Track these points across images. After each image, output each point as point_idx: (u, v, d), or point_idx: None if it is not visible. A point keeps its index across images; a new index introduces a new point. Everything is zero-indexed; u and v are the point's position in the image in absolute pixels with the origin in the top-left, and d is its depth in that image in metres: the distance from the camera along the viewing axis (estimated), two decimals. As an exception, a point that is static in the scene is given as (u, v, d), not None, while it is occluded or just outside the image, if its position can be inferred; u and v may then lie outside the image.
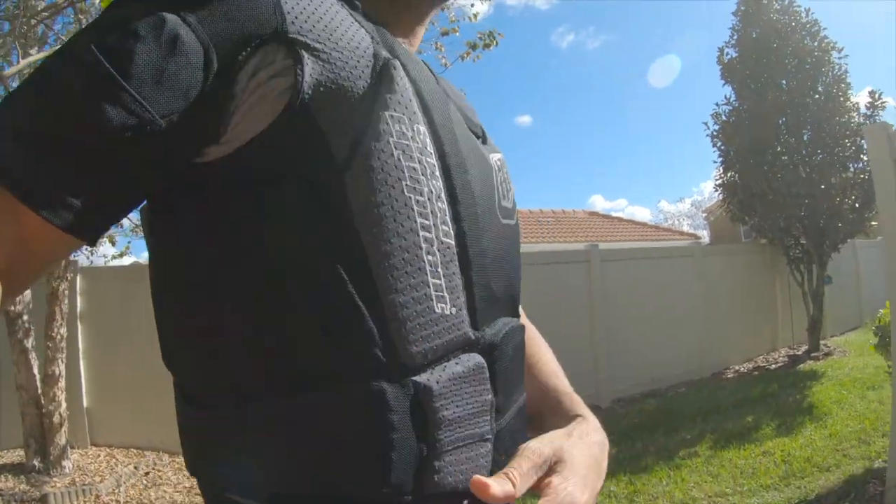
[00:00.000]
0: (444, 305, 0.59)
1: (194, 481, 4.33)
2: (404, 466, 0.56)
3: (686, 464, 4.85)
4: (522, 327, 0.74)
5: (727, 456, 4.92)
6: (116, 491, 4.88)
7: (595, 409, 0.70)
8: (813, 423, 5.50)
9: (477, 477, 0.58)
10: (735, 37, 9.80)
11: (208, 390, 0.61)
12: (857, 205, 8.84)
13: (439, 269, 0.59)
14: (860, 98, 9.07)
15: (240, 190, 0.55)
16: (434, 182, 0.60)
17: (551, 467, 0.63)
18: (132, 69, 0.49)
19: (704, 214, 29.90)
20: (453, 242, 0.61)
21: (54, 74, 0.51)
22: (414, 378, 0.57)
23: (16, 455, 5.66)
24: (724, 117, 9.83)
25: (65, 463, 5.19)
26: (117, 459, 5.44)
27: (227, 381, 0.59)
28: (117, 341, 5.88)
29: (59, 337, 5.33)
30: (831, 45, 9.11)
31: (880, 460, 4.27)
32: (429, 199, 0.59)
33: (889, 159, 3.67)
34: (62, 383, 5.26)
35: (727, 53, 9.92)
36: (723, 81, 9.95)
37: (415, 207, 0.58)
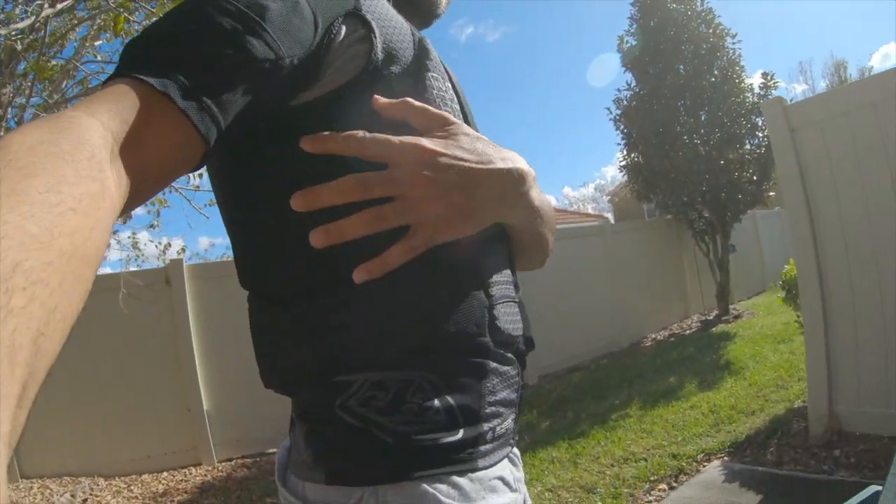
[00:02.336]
0: None
1: (134, 502, 4.06)
2: (481, 315, 0.72)
3: (620, 424, 5.03)
4: None
5: (657, 413, 5.13)
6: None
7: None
8: (732, 377, 5.82)
9: None
10: (634, 26, 10.19)
11: (308, 283, 0.70)
12: (754, 178, 9.43)
13: None
14: (754, 80, 9.62)
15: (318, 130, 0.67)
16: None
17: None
18: (269, 16, 0.61)
19: (608, 197, 30.92)
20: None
21: (204, 18, 0.60)
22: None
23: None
24: (625, 102, 10.23)
25: None
26: (52, 490, 5.02)
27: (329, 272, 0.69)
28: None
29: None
30: (725, 31, 9.65)
31: (799, 401, 4.57)
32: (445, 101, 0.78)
33: (786, 129, 3.96)
34: None
35: (627, 41, 10.32)
36: (623, 68, 10.36)
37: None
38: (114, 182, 0.49)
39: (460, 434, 0.68)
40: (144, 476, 5.40)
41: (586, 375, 7.45)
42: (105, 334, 5.48)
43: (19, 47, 3.95)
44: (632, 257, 9.59)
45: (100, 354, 5.45)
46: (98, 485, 5.21)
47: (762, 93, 9.52)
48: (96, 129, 0.50)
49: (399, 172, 0.64)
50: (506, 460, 0.74)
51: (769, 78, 9.56)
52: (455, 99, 0.82)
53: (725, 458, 3.91)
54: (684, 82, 9.48)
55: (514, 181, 0.72)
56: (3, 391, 0.30)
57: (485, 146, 0.71)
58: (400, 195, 0.64)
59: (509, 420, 0.75)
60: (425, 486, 0.64)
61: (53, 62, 4.01)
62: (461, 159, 0.67)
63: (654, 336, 9.43)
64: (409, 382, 0.67)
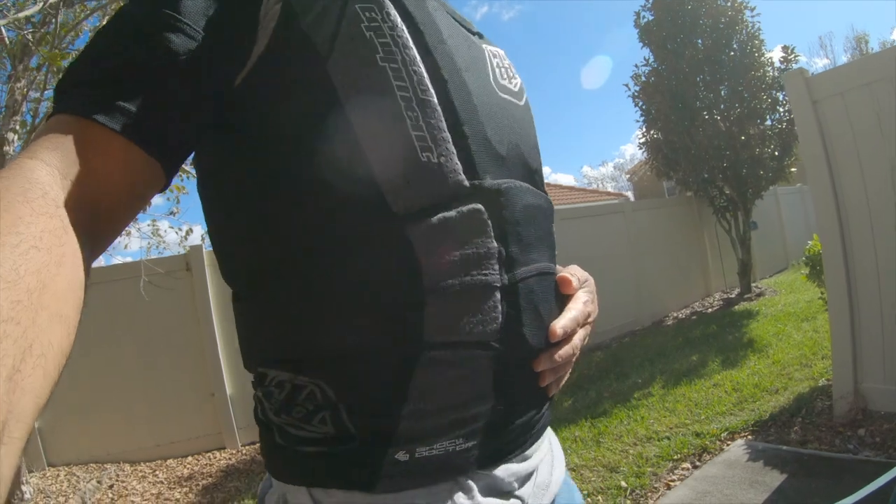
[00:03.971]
0: (429, 154, 0.63)
1: (160, 487, 4.15)
2: (394, 308, 0.61)
3: (642, 403, 5.00)
4: (538, 194, 0.77)
5: (680, 392, 5.10)
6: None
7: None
8: (755, 355, 5.77)
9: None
10: (650, 1, 10.02)
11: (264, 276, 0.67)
12: (776, 153, 9.25)
13: (421, 123, 0.63)
14: (774, 54, 9.41)
15: (255, 111, 0.63)
16: (408, 52, 0.65)
17: (584, 285, 0.81)
18: (183, 6, 0.60)
19: (628, 175, 30.68)
20: (434, 100, 0.65)
21: (117, 30, 0.60)
22: (404, 226, 0.61)
23: (-33, 492, 5.28)
24: (643, 78, 10.06)
25: (24, 489, 4.87)
26: (78, 476, 5.13)
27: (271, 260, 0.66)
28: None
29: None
30: (744, 4, 9.42)
31: (824, 379, 4.52)
32: (403, 65, 0.64)
33: (808, 101, 3.86)
34: None
35: (643, 17, 10.14)
36: (641, 44, 10.18)
37: (390, 73, 0.63)
38: (73, 216, 0.50)
39: (355, 450, 0.62)
40: (169, 461, 5.50)
41: (608, 354, 7.41)
42: (128, 322, 5.56)
43: (31, 40, 3.98)
44: (652, 235, 9.50)
45: (123, 342, 5.55)
46: (123, 471, 5.32)
47: (783, 66, 9.33)
48: (41, 169, 0.50)
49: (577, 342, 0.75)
50: (458, 485, 0.64)
51: (790, 52, 9.33)
52: (429, 19, 0.70)
53: (749, 436, 3.88)
54: (703, 57, 9.28)
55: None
56: None
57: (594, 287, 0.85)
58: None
59: (466, 444, 0.64)
60: (317, 494, 0.63)
61: (67, 51, 4.04)
62: (595, 309, 0.82)
63: (675, 314, 9.36)
64: (301, 387, 0.63)
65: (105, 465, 5.40)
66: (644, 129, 10.40)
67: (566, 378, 0.78)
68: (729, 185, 9.51)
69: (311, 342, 0.62)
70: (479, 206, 0.65)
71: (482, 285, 0.64)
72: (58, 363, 0.40)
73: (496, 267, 0.65)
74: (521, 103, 0.81)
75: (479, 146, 0.67)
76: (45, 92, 4.48)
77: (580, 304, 0.75)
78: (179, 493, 4.77)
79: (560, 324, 0.70)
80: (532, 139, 0.80)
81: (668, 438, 4.09)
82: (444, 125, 0.64)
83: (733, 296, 9.77)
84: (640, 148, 10.83)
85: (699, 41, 9.46)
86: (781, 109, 9.23)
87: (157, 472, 5.26)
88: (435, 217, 0.62)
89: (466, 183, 0.65)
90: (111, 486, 5.01)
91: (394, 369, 0.61)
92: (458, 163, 0.64)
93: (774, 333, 6.49)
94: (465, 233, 0.63)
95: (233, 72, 0.62)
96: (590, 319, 0.78)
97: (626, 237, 9.06)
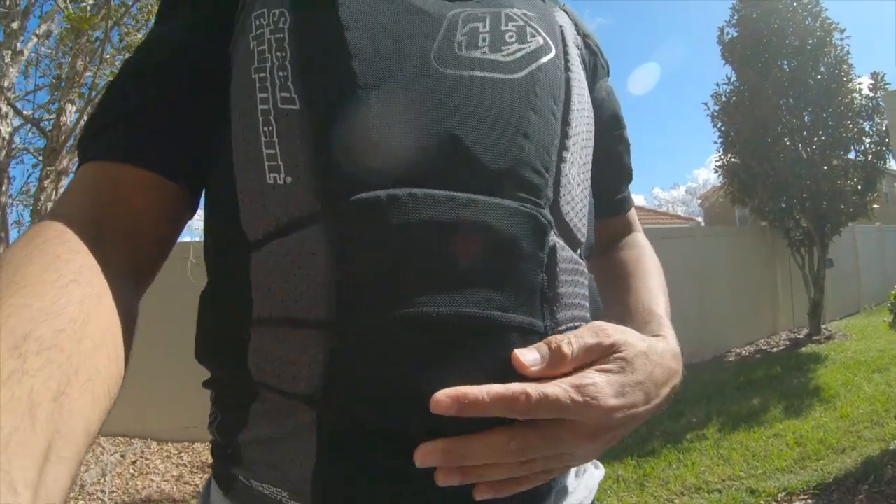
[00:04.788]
0: (276, 175, 0.54)
1: (182, 470, 4.20)
2: (228, 342, 0.55)
3: (695, 447, 4.74)
4: (484, 205, 0.52)
5: (737, 438, 4.82)
6: (101, 480, 4.69)
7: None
8: (821, 406, 5.41)
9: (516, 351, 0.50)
10: (735, 16, 9.64)
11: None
12: (859, 187, 8.79)
13: (274, 138, 0.54)
14: (862, 80, 8.97)
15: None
16: (279, 53, 0.56)
17: (606, 359, 0.52)
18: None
19: (699, 200, 30.01)
20: (296, 107, 0.54)
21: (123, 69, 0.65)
22: (248, 254, 0.54)
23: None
24: (724, 98, 9.71)
25: None
26: (103, 448, 5.24)
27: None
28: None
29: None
30: (833, 25, 8.99)
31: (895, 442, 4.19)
32: (270, 71, 0.56)
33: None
34: None
35: (727, 33, 9.77)
36: (723, 61, 9.82)
37: (257, 84, 0.56)
38: (110, 252, 0.51)
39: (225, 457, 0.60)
40: (196, 444, 5.52)
41: (662, 387, 7.11)
42: (172, 302, 5.59)
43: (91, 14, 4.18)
44: (721, 264, 9.08)
45: (167, 321, 5.56)
46: (150, 448, 5.39)
47: (872, 94, 8.82)
48: (73, 215, 0.51)
49: (566, 434, 0.49)
50: None
51: (879, 78, 8.82)
52: (279, 25, 0.58)
53: (809, 500, 3.60)
54: (788, 79, 8.88)
55: (667, 402, 0.58)
56: (21, 442, 0.31)
57: (656, 370, 0.55)
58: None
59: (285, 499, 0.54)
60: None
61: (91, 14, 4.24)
62: (633, 406, 0.51)
63: (738, 350, 8.92)
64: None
65: (132, 441, 5.49)
66: (721, 152, 10.01)
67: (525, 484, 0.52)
68: (807, 218, 9.03)
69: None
70: (316, 229, 0.51)
71: (301, 323, 0.50)
72: (107, 388, 0.41)
73: (322, 302, 0.49)
74: (516, 76, 0.59)
75: (352, 155, 0.52)
76: (102, 66, 4.67)
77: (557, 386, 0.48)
78: (200, 478, 4.79)
79: (449, 392, 0.46)
80: (515, 119, 0.56)
81: (720, 492, 3.84)
82: (300, 137, 0.53)
83: (801, 336, 9.24)
84: (716, 171, 10.45)
85: (784, 63, 9.08)
86: (868, 140, 8.74)
87: (182, 455, 5.30)
88: (272, 243, 0.53)
89: (314, 204, 0.52)
90: (134, 462, 5.09)
91: (237, 401, 0.57)
92: (314, 179, 0.52)
93: (843, 383, 6.08)
94: (291, 264, 0.51)
95: (224, 40, 0.62)
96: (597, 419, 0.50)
97: (693, 263, 8.68)
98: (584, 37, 0.80)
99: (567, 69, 0.65)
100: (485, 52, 0.58)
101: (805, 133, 8.97)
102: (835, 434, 4.61)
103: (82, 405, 0.37)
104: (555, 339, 0.50)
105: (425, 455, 0.47)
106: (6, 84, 4.40)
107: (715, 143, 10.04)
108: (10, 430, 0.31)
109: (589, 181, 0.67)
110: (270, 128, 0.54)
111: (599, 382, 0.49)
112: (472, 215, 0.51)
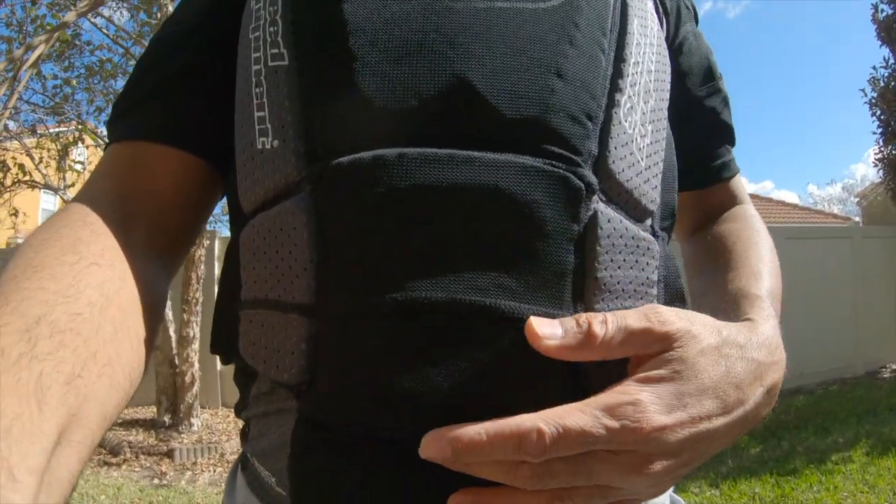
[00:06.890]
0: (265, 139, 0.48)
1: None
2: (223, 325, 0.53)
3: (839, 469, 4.41)
4: (502, 164, 0.42)
5: (886, 465, 4.42)
6: (240, 451, 5.15)
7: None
8: None
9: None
10: (892, -9, 8.81)
11: None
12: None
13: (263, 99, 0.49)
14: None
15: None
16: (271, 7, 0.51)
17: (657, 353, 0.40)
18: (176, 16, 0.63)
19: (857, 199, 27.53)
20: (284, 63, 0.48)
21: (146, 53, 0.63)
22: (241, 228, 0.50)
23: (148, 411, 6.17)
24: (882, 83, 8.89)
25: (193, 420, 5.58)
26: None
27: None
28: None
29: (194, 300, 5.77)
30: None
31: None
32: (262, 28, 0.51)
33: None
34: (196, 345, 5.66)
35: (882, 10, 8.92)
36: (879, 42, 8.99)
37: (252, 44, 0.52)
38: (135, 234, 0.50)
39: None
40: None
41: (810, 401, 6.66)
42: (203, 283, 6.02)
43: None
44: (882, 269, 8.27)
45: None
46: None
47: None
48: (97, 197, 0.51)
49: (599, 465, 0.37)
50: None
51: None
52: None
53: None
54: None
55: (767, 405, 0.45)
56: (25, 428, 0.31)
57: (735, 366, 0.42)
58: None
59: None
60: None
61: None
62: (698, 419, 0.38)
63: (894, 366, 8.15)
64: None
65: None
66: (881, 144, 9.16)
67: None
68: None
69: None
70: (295, 201, 0.45)
71: (274, 305, 0.46)
72: (128, 373, 0.40)
73: (302, 288, 0.44)
74: (549, 4, 0.48)
75: (345, 107, 0.45)
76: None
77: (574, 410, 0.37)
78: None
79: (440, 434, 0.37)
80: (540, 60, 0.46)
81: (860, 523, 3.56)
82: (289, 95, 0.47)
83: (971, 355, 8.26)
84: (875, 165, 9.56)
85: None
86: None
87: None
88: (256, 217, 0.48)
89: (296, 171, 0.45)
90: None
91: (242, 380, 0.57)
92: (299, 142, 0.46)
93: None
94: (274, 240, 0.45)
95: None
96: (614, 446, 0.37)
97: (850, 267, 7.99)
98: None
99: None
100: None
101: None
102: None
103: (98, 389, 0.37)
104: (587, 314, 0.40)
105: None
106: None
107: (874, 133, 9.22)
108: (12, 416, 0.30)
109: (665, 133, 0.54)
110: (261, 88, 0.49)
111: (643, 399, 0.37)
112: (477, 177, 0.41)
